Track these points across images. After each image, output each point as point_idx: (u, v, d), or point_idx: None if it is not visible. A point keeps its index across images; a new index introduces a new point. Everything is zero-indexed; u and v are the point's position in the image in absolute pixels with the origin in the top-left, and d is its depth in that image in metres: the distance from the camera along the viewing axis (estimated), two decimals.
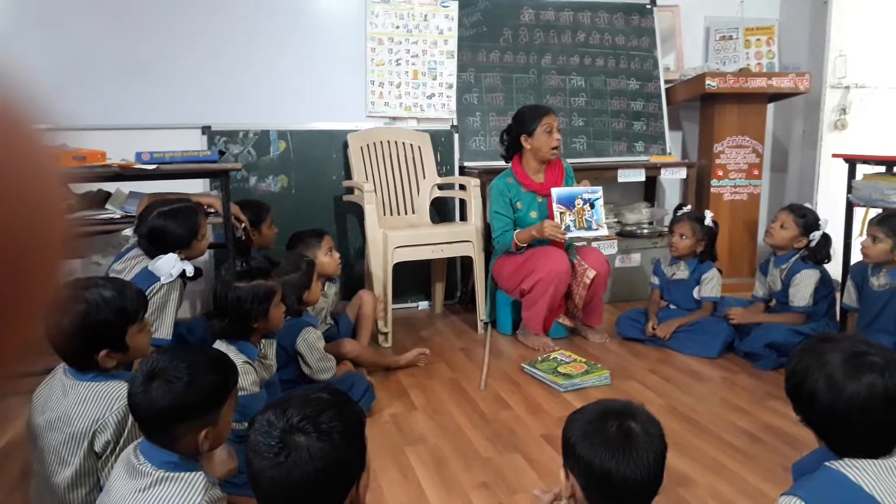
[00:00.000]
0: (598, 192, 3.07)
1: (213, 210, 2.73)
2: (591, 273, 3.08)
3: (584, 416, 1.22)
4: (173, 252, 2.20)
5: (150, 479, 1.24)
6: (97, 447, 1.48)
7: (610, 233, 3.88)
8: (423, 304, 3.91)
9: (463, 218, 3.79)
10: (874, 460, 1.18)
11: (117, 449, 1.48)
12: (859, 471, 1.16)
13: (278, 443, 1.07)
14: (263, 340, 2.02)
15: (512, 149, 3.22)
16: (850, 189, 3.07)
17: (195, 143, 3.46)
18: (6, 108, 0.29)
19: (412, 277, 3.75)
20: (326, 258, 2.80)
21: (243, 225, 2.84)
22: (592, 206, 3.05)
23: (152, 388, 1.28)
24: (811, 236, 2.85)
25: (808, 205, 3.01)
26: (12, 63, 0.30)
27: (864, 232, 2.71)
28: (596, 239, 3.29)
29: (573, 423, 1.21)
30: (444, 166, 3.85)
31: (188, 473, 1.26)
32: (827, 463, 1.21)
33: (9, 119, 0.29)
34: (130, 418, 1.44)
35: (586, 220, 3.04)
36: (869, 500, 1.13)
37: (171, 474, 1.25)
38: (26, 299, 0.29)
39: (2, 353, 0.29)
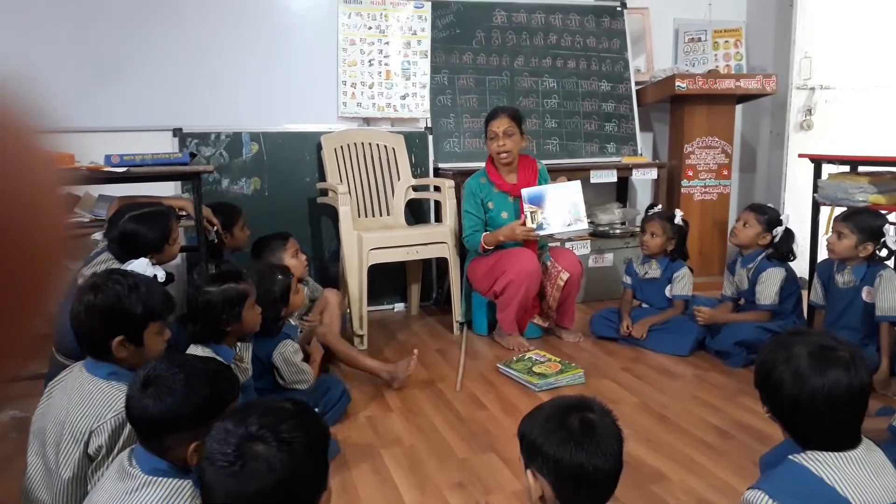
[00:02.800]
0: (573, 187, 3.02)
1: (184, 213, 2.71)
2: (565, 275, 3.11)
3: (542, 414, 1.22)
4: (144, 256, 2.17)
5: (137, 483, 1.23)
6: (91, 449, 1.46)
7: (583, 232, 3.92)
8: (399, 306, 3.91)
9: (438, 219, 3.79)
10: (837, 453, 1.20)
11: (110, 458, 1.46)
12: (821, 464, 1.19)
13: (234, 451, 1.01)
14: (239, 343, 2.00)
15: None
16: (815, 188, 3.13)
17: (166, 146, 3.42)
18: (2, 110, 0.29)
19: (388, 279, 3.75)
20: (293, 261, 2.78)
21: (215, 228, 2.82)
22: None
23: (146, 394, 1.27)
24: (774, 232, 2.91)
25: (770, 204, 3.08)
26: (5, 67, 0.30)
27: (830, 228, 2.78)
28: (572, 237, 3.28)
29: (533, 424, 1.21)
30: (418, 168, 3.85)
31: (175, 480, 1.24)
32: (790, 456, 1.24)
33: (5, 121, 0.29)
34: (128, 427, 1.44)
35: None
36: (830, 492, 1.16)
37: (158, 479, 1.24)
38: (23, 303, 0.29)
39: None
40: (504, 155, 3.12)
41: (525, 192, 3.03)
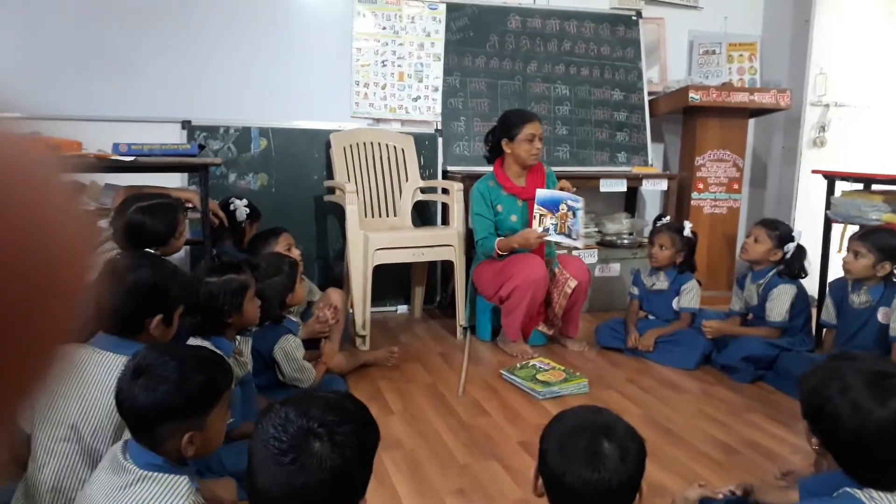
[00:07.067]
0: (579, 203, 2.99)
1: (190, 205, 2.69)
2: (573, 283, 3.07)
3: (562, 424, 1.19)
4: (149, 248, 2.14)
5: (132, 477, 1.20)
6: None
7: (590, 242, 3.88)
8: (403, 308, 3.88)
9: (445, 222, 3.76)
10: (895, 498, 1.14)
11: None
12: None
13: (290, 440, 1.01)
14: (238, 337, 1.98)
15: (495, 151, 3.21)
16: (828, 205, 3.10)
17: (175, 138, 3.39)
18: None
19: (392, 280, 3.72)
20: None
21: (247, 211, 2.99)
22: (574, 214, 3.00)
23: (137, 384, 1.23)
24: (786, 248, 2.87)
25: (781, 220, 3.05)
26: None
27: (845, 248, 2.73)
28: (574, 248, 3.27)
29: (551, 431, 1.19)
30: (427, 170, 3.83)
31: (171, 476, 1.21)
32: (849, 490, 1.16)
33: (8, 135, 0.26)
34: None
35: (568, 226, 2.99)
36: None
37: (153, 474, 1.20)
38: (50, 314, 0.26)
39: (19, 378, 0.26)
40: (536, 157, 3.12)
41: (540, 193, 2.99)
